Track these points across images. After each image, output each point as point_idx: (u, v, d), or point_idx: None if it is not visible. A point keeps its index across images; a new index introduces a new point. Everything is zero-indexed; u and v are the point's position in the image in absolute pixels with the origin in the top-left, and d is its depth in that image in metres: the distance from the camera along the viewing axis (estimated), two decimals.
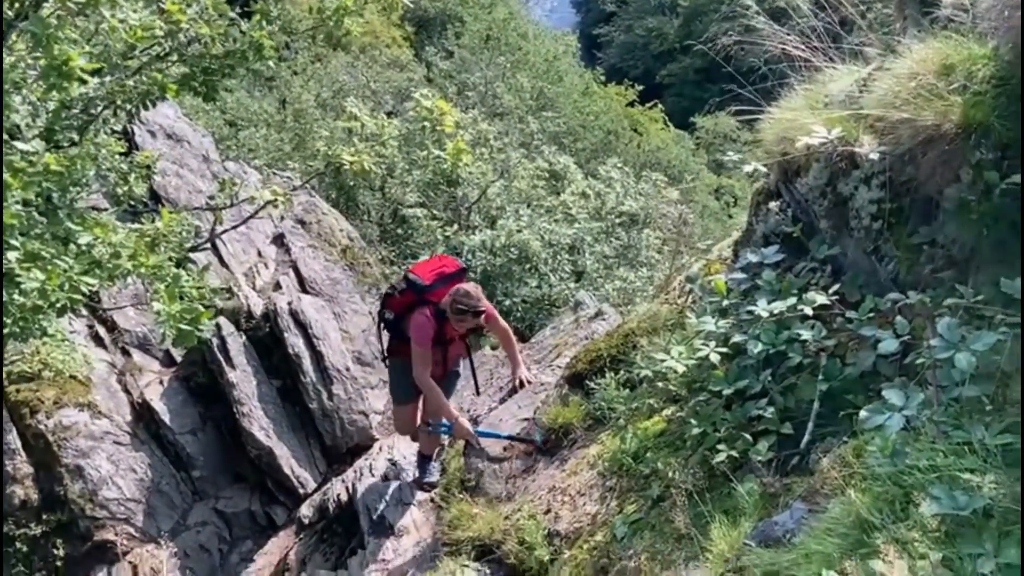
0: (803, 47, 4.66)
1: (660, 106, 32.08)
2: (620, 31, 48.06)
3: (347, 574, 5.43)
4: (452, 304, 5.41)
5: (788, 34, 4.76)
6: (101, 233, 4.89)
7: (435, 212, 12.81)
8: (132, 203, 6.50)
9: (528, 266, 11.55)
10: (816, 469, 3.10)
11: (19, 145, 4.37)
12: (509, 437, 5.47)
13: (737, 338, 3.60)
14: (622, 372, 5.06)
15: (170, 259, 5.07)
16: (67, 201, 5.55)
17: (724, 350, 3.68)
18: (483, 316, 5.54)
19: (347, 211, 13.38)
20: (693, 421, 3.78)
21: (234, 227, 7.30)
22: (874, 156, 3.46)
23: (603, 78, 30.62)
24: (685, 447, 3.89)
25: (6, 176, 4.05)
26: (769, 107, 4.46)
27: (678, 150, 28.10)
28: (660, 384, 4.35)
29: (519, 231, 11.52)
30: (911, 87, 3.45)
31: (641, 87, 30.86)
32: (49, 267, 4.52)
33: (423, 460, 6.55)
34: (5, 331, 4.72)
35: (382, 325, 6.17)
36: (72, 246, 4.81)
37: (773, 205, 4.08)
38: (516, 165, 13.79)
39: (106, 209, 6.63)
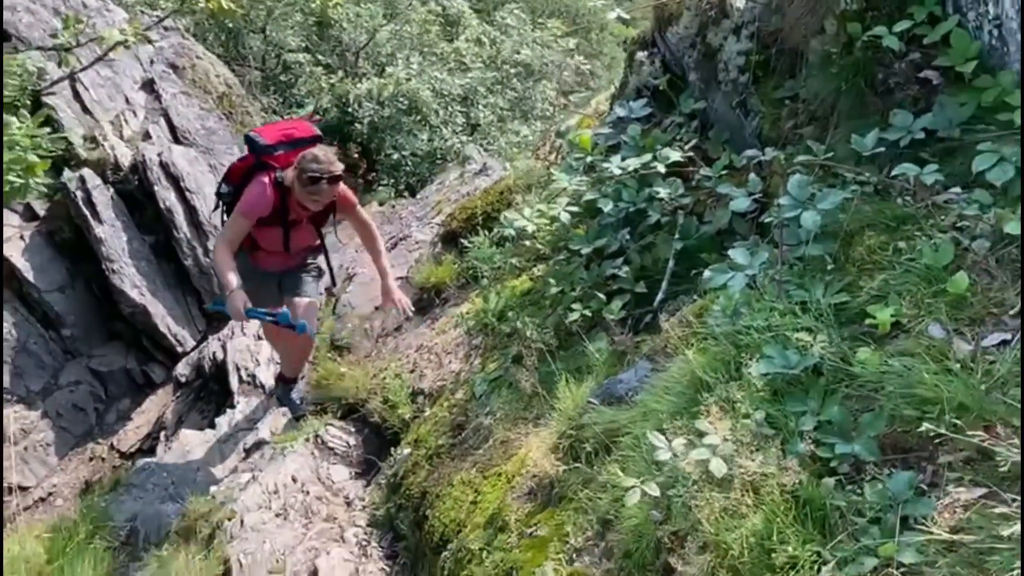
0: None
1: None
2: None
3: (213, 433, 5.33)
4: (299, 172, 4.22)
5: None
6: None
7: (320, 58, 12.10)
8: None
9: (418, 117, 11.14)
10: (664, 328, 3.07)
11: None
12: (273, 320, 4.55)
13: (597, 201, 3.48)
14: (496, 231, 4.94)
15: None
16: None
17: (576, 208, 3.58)
18: (338, 188, 4.36)
19: (231, 55, 12.54)
20: (552, 280, 3.72)
21: (84, 69, 6.66)
22: (740, 3, 3.28)
23: None
24: (545, 307, 3.84)
25: None
26: None
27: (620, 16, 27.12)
28: (527, 243, 4.26)
29: (408, 80, 11.03)
30: None
31: None
32: None
33: (285, 387, 5.29)
34: None
35: (220, 205, 4.88)
36: None
37: (642, 55, 3.89)
38: (408, 8, 13.05)
39: None
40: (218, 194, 4.83)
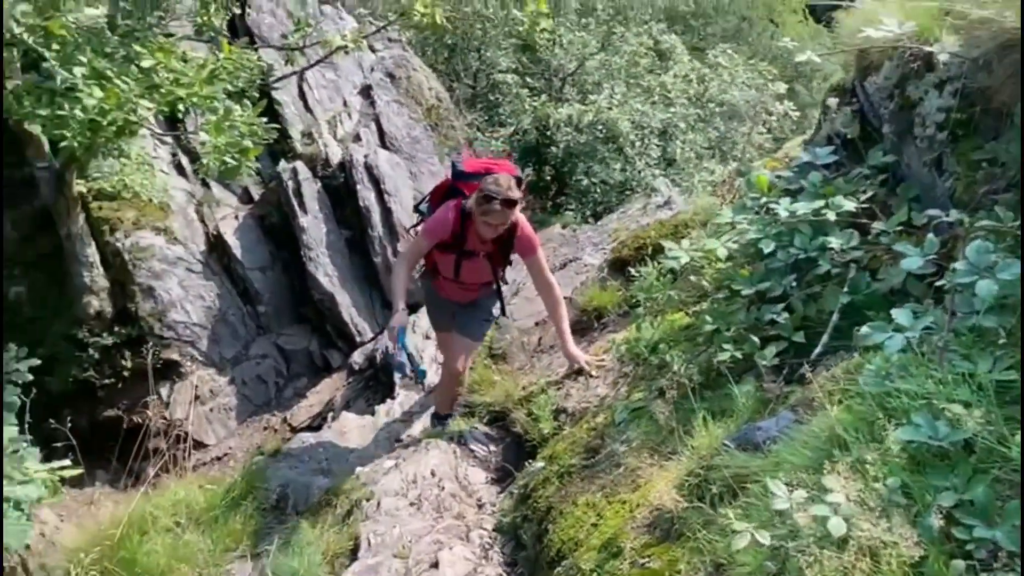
0: None
1: None
2: None
3: (371, 420, 5.63)
4: (478, 194, 4.27)
5: None
6: (163, 58, 4.94)
7: (528, 80, 12.49)
8: (213, 33, 6.51)
9: (614, 147, 11.24)
10: (814, 381, 2.96)
11: None
12: (408, 356, 4.50)
13: (760, 241, 3.41)
14: (667, 262, 4.93)
15: (229, 92, 5.10)
16: (145, 24, 5.60)
17: (736, 246, 3.52)
18: (511, 213, 4.28)
19: (446, 70, 13.20)
20: (708, 318, 3.67)
21: (306, 69, 7.27)
22: (944, 57, 3.13)
23: None
24: (699, 344, 3.79)
25: None
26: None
27: (813, 46, 26.39)
28: (692, 279, 4.22)
29: (610, 109, 11.15)
30: None
31: None
32: (109, 87, 4.60)
33: (437, 420, 5.26)
34: (64, 144, 4.88)
35: (418, 222, 5.05)
36: (135, 68, 4.88)
37: (832, 102, 3.77)
38: (620, 39, 13.21)
39: (187, 37, 6.66)
40: (417, 210, 5.09)
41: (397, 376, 5.36)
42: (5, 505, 2.70)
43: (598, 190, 11.11)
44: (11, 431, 3.34)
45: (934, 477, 2.24)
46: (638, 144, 11.34)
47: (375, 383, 7.72)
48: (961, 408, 2.33)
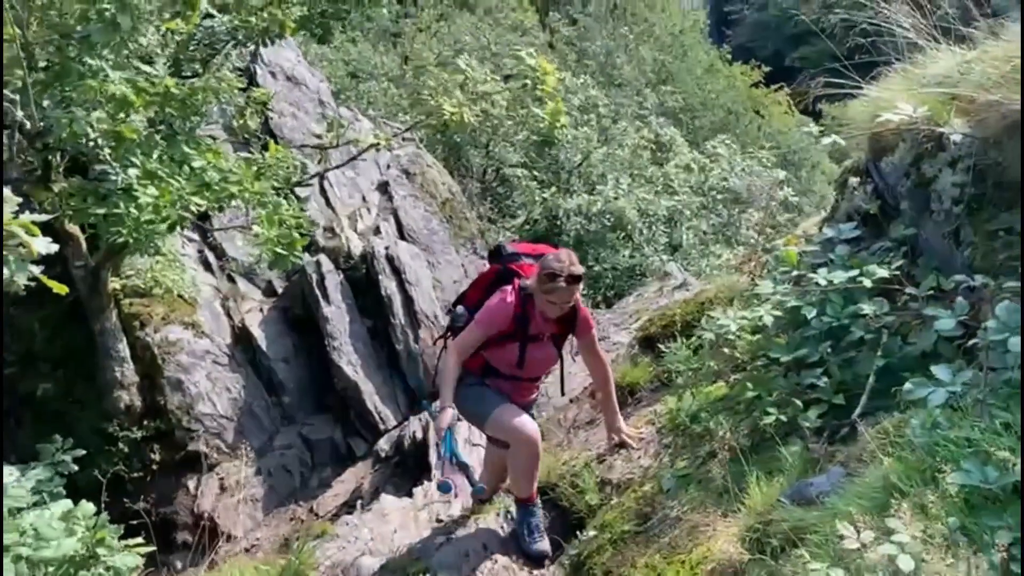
0: (911, 28, 4.59)
1: (786, 89, 31.14)
2: (753, 9, 46.79)
3: (411, 501, 5.73)
4: (539, 271, 4.08)
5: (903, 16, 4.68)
6: (213, 159, 5.27)
7: (536, 174, 12.97)
8: (246, 136, 6.90)
9: (622, 234, 11.61)
10: (860, 439, 3.15)
11: (144, 67, 4.74)
12: (461, 465, 4.23)
13: (801, 308, 3.65)
14: (693, 338, 5.15)
15: (273, 188, 5.41)
16: (186, 128, 5.97)
17: (778, 314, 3.75)
18: (576, 289, 4.11)
19: (453, 167, 13.70)
20: (749, 385, 3.87)
21: (338, 167, 7.66)
22: (956, 138, 3.43)
23: (730, 57, 29.82)
24: (740, 410, 3.98)
25: (130, 95, 4.42)
26: (865, 86, 4.43)
27: (799, 135, 27.33)
28: (726, 351, 4.43)
29: (616, 198, 11.58)
30: (1006, 70, 3.40)
31: (768, 69, 29.91)
32: (163, 185, 4.91)
33: (524, 511, 4.50)
34: (120, 240, 5.15)
35: (448, 331, 4.62)
36: (186, 168, 5.20)
37: (853, 181, 4.07)
38: (622, 133, 13.78)
39: (223, 139, 7.05)
40: (451, 310, 4.63)
41: (438, 494, 4.97)
42: (106, 574, 2.84)
43: (609, 276, 11.44)
44: (90, 508, 3.49)
45: (988, 518, 2.41)
46: (645, 231, 11.73)
47: (403, 469, 7.82)
48: (1007, 453, 2.53)
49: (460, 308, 4.50)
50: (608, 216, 11.66)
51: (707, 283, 7.14)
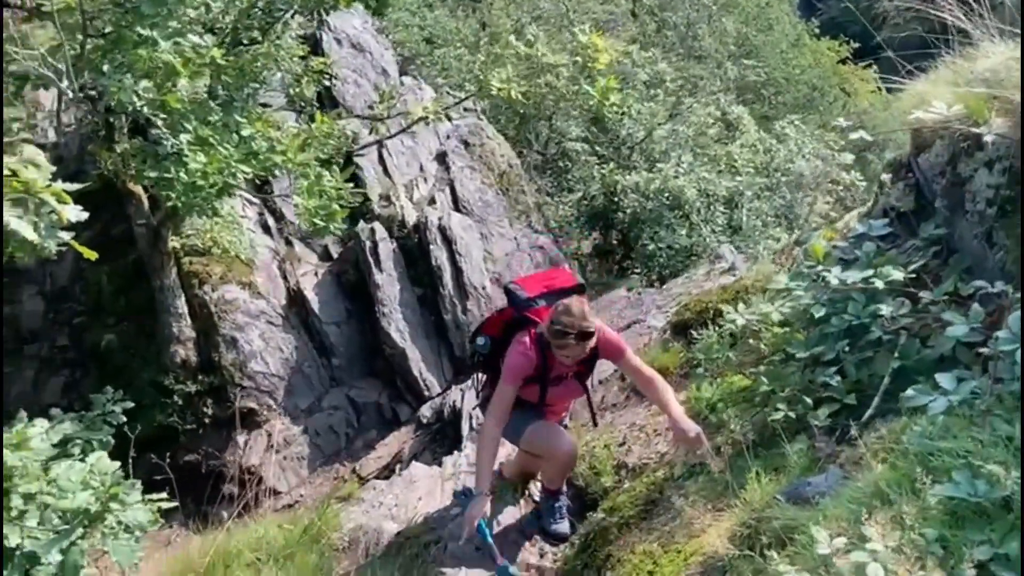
0: (964, 18, 4.42)
1: (875, 67, 29.84)
2: None
3: (439, 470, 5.86)
4: (550, 327, 3.95)
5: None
6: (261, 128, 5.40)
7: (597, 148, 12.88)
8: (303, 104, 7.03)
9: (680, 214, 11.49)
10: (862, 440, 3.12)
11: (193, 38, 4.87)
12: (491, 556, 3.99)
13: (821, 305, 3.61)
14: (726, 326, 5.12)
15: (319, 159, 5.53)
16: (243, 95, 6.12)
17: (789, 310, 3.71)
18: (588, 345, 3.97)
19: (516, 137, 13.69)
20: (764, 379, 3.85)
21: (392, 136, 7.74)
22: (991, 138, 3.32)
23: (817, 31, 28.71)
24: (755, 404, 3.97)
25: (176, 64, 4.56)
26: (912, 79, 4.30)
27: (885, 116, 26.27)
28: (751, 342, 4.41)
29: (676, 177, 11.44)
30: None
31: (858, 45, 28.67)
32: (212, 152, 5.07)
33: (551, 497, 4.58)
34: (170, 204, 5.34)
35: (476, 359, 4.64)
36: (235, 136, 5.35)
37: (886, 178, 3.98)
38: (688, 110, 13.56)
39: (281, 107, 7.20)
40: (471, 342, 4.65)
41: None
42: (117, 527, 3.01)
43: (663, 255, 11.34)
44: (113, 464, 3.66)
45: (971, 532, 2.38)
46: (704, 211, 11.58)
47: (442, 436, 7.97)
48: (999, 468, 2.48)
49: (481, 339, 4.50)
50: (667, 194, 11.53)
51: (752, 270, 7.05)
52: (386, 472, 8.10)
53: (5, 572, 3.23)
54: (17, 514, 3.08)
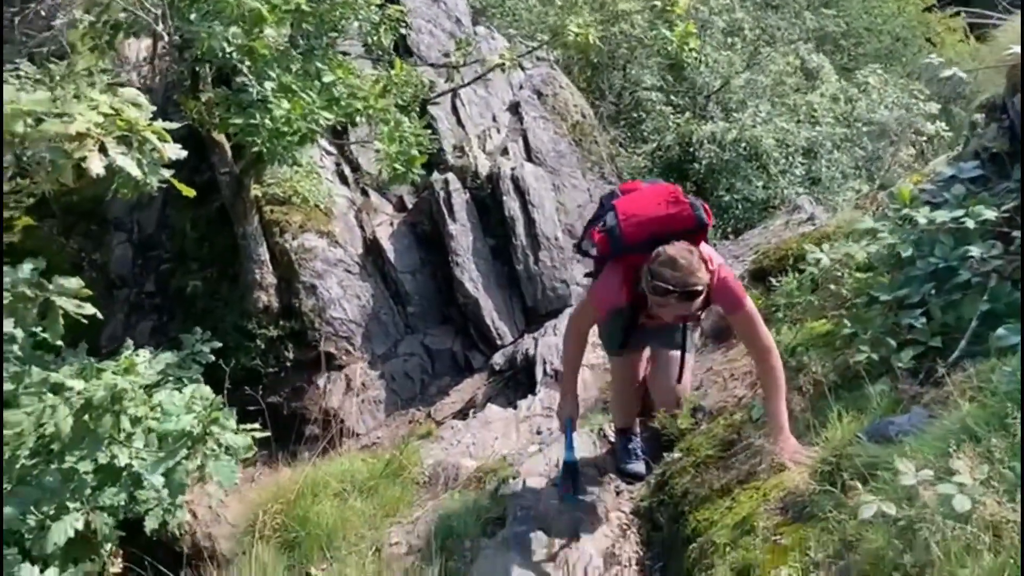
0: None
1: (963, 14, 28.42)
2: None
3: (514, 412, 5.99)
4: (647, 278, 3.36)
5: None
6: (343, 75, 5.49)
7: (672, 98, 12.69)
8: (380, 52, 7.10)
9: (757, 165, 11.28)
10: (950, 382, 3.09)
11: None
12: (571, 468, 4.00)
13: (897, 246, 3.56)
14: (807, 270, 5.07)
15: (398, 106, 5.61)
16: (323, 43, 6.21)
17: (874, 250, 3.66)
18: (693, 304, 3.39)
19: (589, 87, 13.56)
20: (847, 322, 3.83)
21: (465, 85, 7.77)
22: None
23: None
24: (836, 347, 3.95)
25: (263, 10, 4.66)
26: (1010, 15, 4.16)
27: (974, 65, 25.08)
28: (832, 287, 4.37)
29: (753, 127, 11.21)
30: None
31: None
32: (295, 99, 5.18)
33: (621, 436, 4.58)
34: (255, 149, 5.49)
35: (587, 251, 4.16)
36: (317, 83, 5.45)
37: (979, 118, 3.87)
38: (767, 59, 13.23)
39: (359, 55, 7.28)
40: (579, 247, 4.24)
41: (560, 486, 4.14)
42: (218, 449, 3.18)
43: (739, 207, 11.17)
44: (208, 390, 3.84)
45: None
46: (782, 162, 11.34)
47: (514, 383, 8.10)
48: None
49: (587, 243, 4.02)
50: (743, 145, 11.32)
51: (833, 219, 6.93)
52: (460, 416, 8.28)
53: (113, 491, 3.44)
54: (125, 436, 3.27)
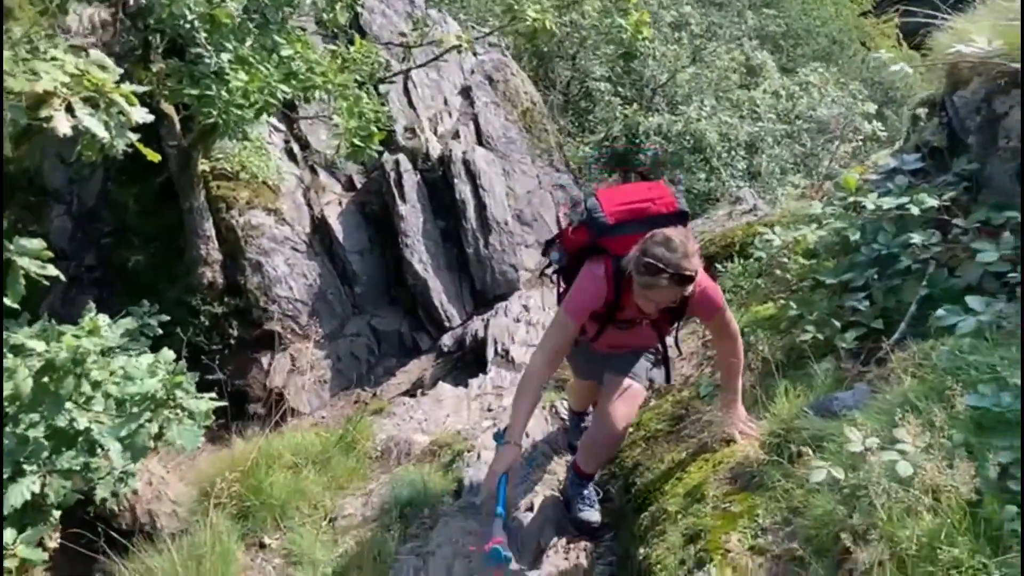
0: None
1: (896, 21, 29.39)
2: None
3: (465, 391, 6.06)
4: (639, 258, 3.10)
5: None
6: (301, 49, 5.48)
7: (620, 90, 12.86)
8: (335, 30, 7.06)
9: (701, 157, 11.52)
10: (890, 362, 3.27)
11: None
12: (502, 524, 3.39)
13: (846, 230, 3.73)
14: (751, 260, 5.25)
15: (356, 82, 5.61)
16: (279, 17, 6.17)
17: (823, 234, 3.82)
18: (683, 291, 3.16)
19: (538, 77, 13.66)
20: (793, 304, 3.99)
21: (421, 66, 7.78)
22: None
23: None
24: (782, 329, 4.11)
25: None
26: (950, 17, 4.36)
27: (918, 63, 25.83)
28: (778, 272, 4.54)
29: (699, 120, 11.45)
30: None
31: None
32: (253, 71, 5.15)
33: (578, 481, 3.93)
34: (211, 120, 5.44)
35: (552, 269, 3.96)
36: (275, 56, 5.43)
37: (922, 112, 4.06)
38: (711, 54, 13.50)
39: (313, 31, 7.23)
40: (544, 254, 4.03)
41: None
42: (181, 413, 3.19)
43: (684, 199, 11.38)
44: (171, 354, 3.83)
45: (996, 438, 2.54)
46: (724, 156, 11.61)
47: (463, 364, 8.17)
48: None
49: (556, 253, 3.88)
50: (688, 138, 11.56)
51: (776, 208, 7.16)
52: (408, 396, 8.31)
53: (70, 455, 3.42)
54: (84, 400, 3.26)
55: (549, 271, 4.01)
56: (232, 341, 8.81)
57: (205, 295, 8.76)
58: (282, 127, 9.64)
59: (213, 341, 8.76)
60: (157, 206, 9.52)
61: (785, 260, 4.49)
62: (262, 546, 4.03)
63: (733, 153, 11.73)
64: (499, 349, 7.08)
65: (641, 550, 3.19)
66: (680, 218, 3.46)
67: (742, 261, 5.17)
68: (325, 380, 9.02)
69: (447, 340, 8.59)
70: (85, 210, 9.81)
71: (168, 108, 7.54)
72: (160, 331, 5.97)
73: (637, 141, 11.78)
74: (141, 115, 3.25)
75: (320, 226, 9.47)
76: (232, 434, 7.08)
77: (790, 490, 2.93)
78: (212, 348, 8.76)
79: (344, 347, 9.24)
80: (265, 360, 8.91)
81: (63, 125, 2.93)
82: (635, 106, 12.51)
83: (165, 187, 9.42)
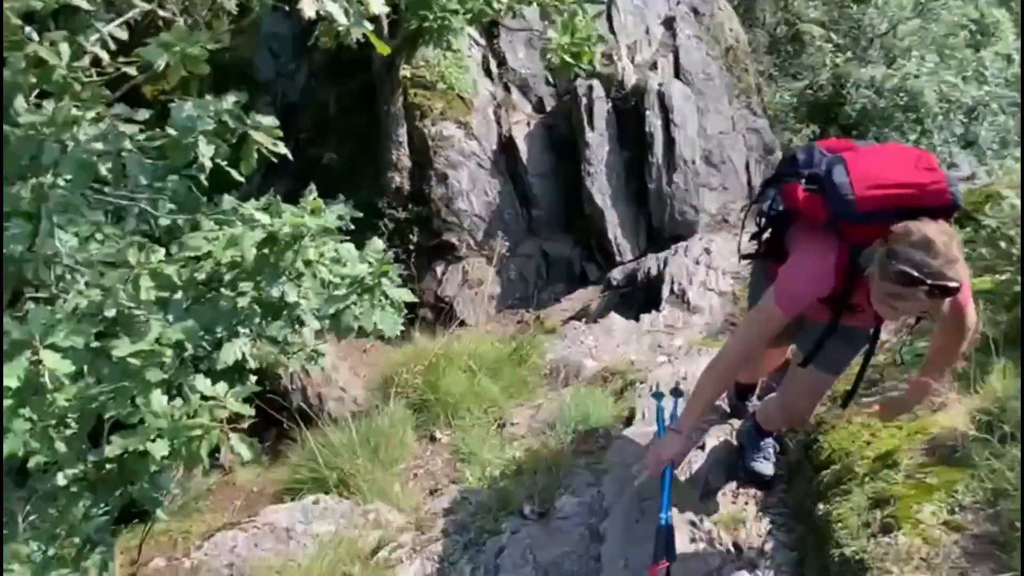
0: None
1: None
2: None
3: (636, 324, 6.01)
4: (887, 253, 2.50)
5: None
6: None
7: (833, 36, 12.08)
8: None
9: (914, 117, 10.71)
10: None
11: None
12: (666, 529, 3.08)
13: None
14: (968, 229, 4.87)
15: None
16: None
17: None
18: (942, 305, 2.57)
19: (744, 15, 13.04)
20: (1018, 279, 3.67)
21: None
22: None
23: None
24: (1006, 304, 3.81)
25: None
26: None
27: None
28: (1003, 245, 4.19)
29: (917, 76, 10.62)
30: None
31: None
32: None
33: (756, 434, 3.77)
34: (426, 24, 5.51)
35: (763, 223, 3.24)
36: None
37: None
38: (941, 6, 12.40)
39: None
40: (760, 195, 3.31)
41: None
42: (384, 301, 3.31)
43: None
44: (380, 243, 3.97)
45: None
46: (940, 118, 10.74)
47: (631, 300, 8.09)
48: None
49: (771, 199, 3.18)
50: (903, 94, 10.74)
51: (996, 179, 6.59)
52: (569, 325, 8.35)
53: (279, 324, 3.63)
54: (296, 275, 3.43)
55: (754, 214, 3.34)
56: (412, 247, 9.11)
57: (391, 200, 9.06)
58: (482, 41, 9.68)
59: (394, 244, 9.07)
60: (355, 107, 9.88)
61: (1012, 233, 4.13)
62: (432, 439, 4.19)
63: (951, 116, 10.83)
64: (675, 288, 6.94)
65: (821, 505, 3.08)
66: (952, 209, 2.71)
67: (959, 229, 4.79)
68: (493, 296, 9.20)
69: (616, 274, 8.52)
70: (288, 104, 10.30)
71: (380, 9, 7.68)
72: (352, 226, 6.23)
73: (845, 92, 11.07)
74: (379, 5, 3.31)
75: (507, 145, 9.54)
76: (413, 331, 7.39)
77: (998, 471, 2.72)
78: (392, 250, 9.09)
79: (515, 267, 9.36)
80: (439, 269, 9.18)
81: (309, 7, 3.03)
82: (848, 55, 11.73)
83: (364, 89, 9.75)
